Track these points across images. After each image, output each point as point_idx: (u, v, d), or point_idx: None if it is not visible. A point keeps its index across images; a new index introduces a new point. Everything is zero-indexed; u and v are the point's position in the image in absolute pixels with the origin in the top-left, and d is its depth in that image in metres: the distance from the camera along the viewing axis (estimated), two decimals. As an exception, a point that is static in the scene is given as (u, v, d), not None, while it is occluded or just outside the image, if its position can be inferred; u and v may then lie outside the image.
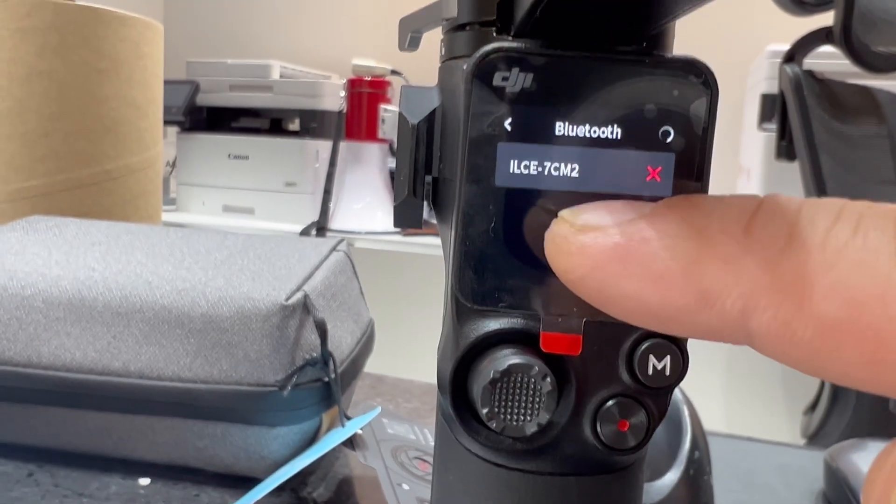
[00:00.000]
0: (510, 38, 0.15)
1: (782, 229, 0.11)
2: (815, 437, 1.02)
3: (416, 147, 0.16)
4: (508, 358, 0.14)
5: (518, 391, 0.14)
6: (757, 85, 1.30)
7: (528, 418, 0.14)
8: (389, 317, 0.65)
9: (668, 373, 0.14)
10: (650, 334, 0.14)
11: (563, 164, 0.14)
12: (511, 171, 0.14)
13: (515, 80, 0.14)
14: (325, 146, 1.69)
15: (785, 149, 1.08)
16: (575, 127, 0.14)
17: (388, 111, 1.62)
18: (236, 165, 1.73)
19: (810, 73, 1.04)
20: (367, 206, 1.66)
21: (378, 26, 2.08)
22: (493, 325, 0.14)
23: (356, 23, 2.11)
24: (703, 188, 0.14)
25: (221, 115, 1.77)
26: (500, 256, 0.14)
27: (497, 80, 0.14)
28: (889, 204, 0.12)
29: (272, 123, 1.78)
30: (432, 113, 0.16)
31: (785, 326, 0.11)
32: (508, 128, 0.14)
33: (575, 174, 0.14)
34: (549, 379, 0.14)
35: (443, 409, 0.16)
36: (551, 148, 0.14)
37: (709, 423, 0.44)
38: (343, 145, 1.67)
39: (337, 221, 1.64)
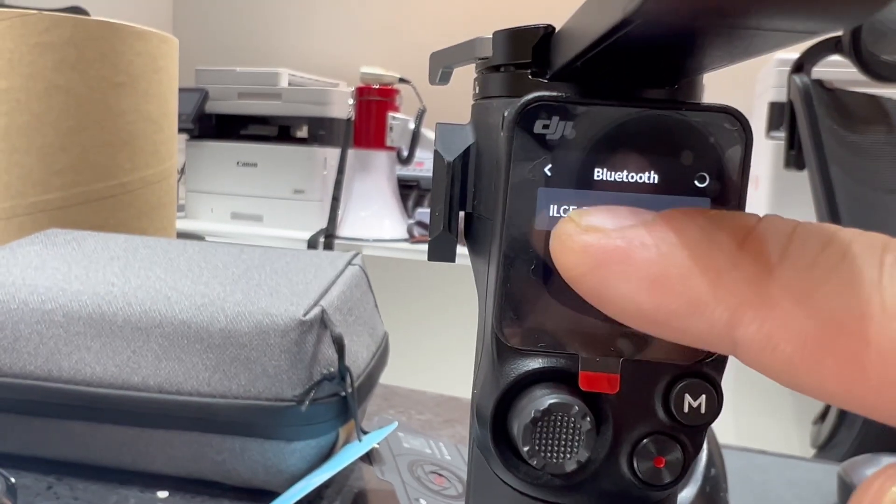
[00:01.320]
0: (545, 81, 0.16)
1: (775, 248, 0.12)
2: (825, 448, 1.02)
3: (452, 184, 0.17)
4: (548, 397, 0.14)
5: (558, 430, 0.14)
6: (765, 93, 1.31)
7: (568, 456, 0.14)
8: (397, 324, 0.65)
9: (703, 411, 0.14)
10: (686, 374, 0.15)
11: None
12: (551, 214, 0.14)
13: (556, 128, 0.14)
14: (333, 154, 1.70)
15: (794, 158, 1.08)
16: (613, 173, 0.14)
17: (396, 119, 1.63)
18: (245, 173, 1.74)
19: (819, 83, 1.05)
20: (374, 213, 1.66)
21: (386, 34, 2.09)
22: (533, 364, 0.15)
23: (364, 31, 2.12)
24: None
25: (230, 123, 1.78)
26: (540, 298, 0.15)
27: (538, 128, 0.14)
28: (877, 234, 0.12)
29: (280, 131, 1.78)
30: (467, 150, 0.17)
31: (767, 339, 0.12)
32: (548, 173, 0.14)
33: None
34: (588, 418, 0.14)
35: (479, 441, 0.16)
36: (590, 193, 0.14)
37: (717, 432, 0.44)
38: (351, 153, 1.67)
39: (345, 229, 1.65)
